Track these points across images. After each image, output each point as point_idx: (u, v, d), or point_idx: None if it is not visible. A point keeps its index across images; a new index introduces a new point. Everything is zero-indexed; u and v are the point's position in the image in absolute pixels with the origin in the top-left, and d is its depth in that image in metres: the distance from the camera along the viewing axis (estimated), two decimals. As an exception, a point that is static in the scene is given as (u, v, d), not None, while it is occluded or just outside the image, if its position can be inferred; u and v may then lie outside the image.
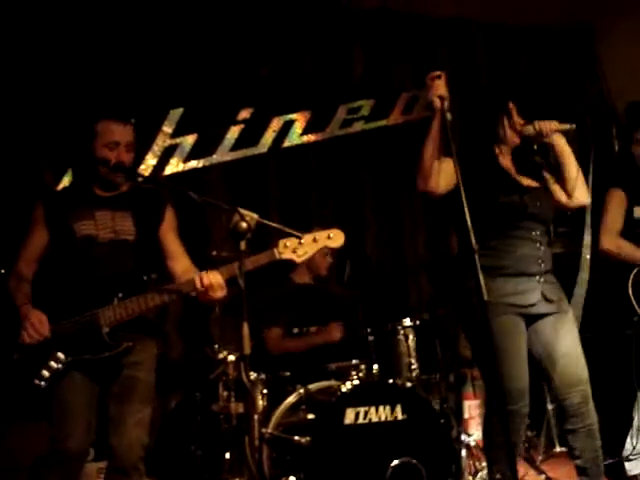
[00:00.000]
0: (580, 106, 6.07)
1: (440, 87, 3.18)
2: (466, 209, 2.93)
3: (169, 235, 3.33)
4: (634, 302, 4.11)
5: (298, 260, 3.06)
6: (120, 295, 3.09)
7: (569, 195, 3.44)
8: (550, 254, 3.44)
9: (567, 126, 3.35)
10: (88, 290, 3.10)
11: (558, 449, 4.73)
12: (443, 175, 3.28)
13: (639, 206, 4.28)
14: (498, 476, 3.36)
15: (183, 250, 3.35)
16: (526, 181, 3.45)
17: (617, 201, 4.23)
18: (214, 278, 3.03)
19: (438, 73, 3.22)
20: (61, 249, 3.19)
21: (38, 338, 3.04)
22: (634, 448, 4.21)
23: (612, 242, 4.14)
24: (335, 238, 3.10)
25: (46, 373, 3.04)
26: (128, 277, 3.15)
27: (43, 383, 3.03)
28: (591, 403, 3.37)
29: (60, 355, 3.05)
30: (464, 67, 5.96)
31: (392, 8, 5.62)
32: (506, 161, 3.48)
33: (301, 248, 3.04)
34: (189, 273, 3.22)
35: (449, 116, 3.16)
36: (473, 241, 2.85)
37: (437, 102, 3.16)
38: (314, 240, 3.06)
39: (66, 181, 4.54)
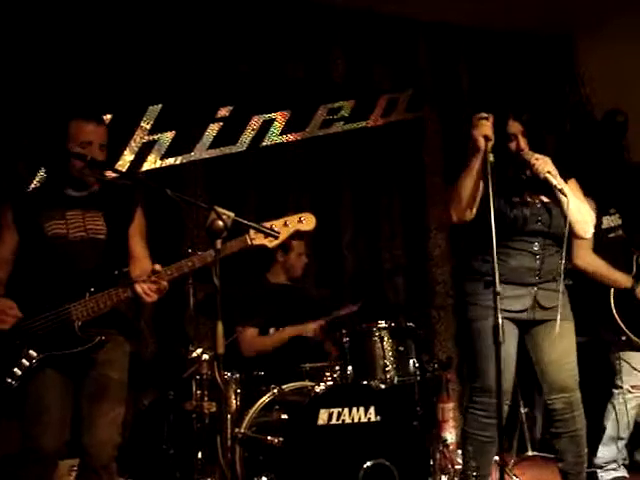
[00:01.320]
0: (560, 112, 6.10)
1: (486, 127, 3.23)
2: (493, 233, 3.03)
3: (135, 237, 3.32)
4: (620, 323, 4.14)
5: (270, 245, 3.04)
6: (92, 290, 3.06)
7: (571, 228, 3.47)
8: (555, 264, 3.47)
9: (556, 185, 3.34)
10: (59, 287, 3.07)
11: (530, 453, 4.76)
12: (477, 202, 3.36)
13: (606, 215, 4.32)
14: (474, 473, 3.40)
15: (146, 253, 3.34)
16: (532, 196, 3.49)
17: None
18: (147, 287, 3.04)
19: (485, 115, 3.27)
20: (32, 248, 3.17)
21: (11, 321, 3.01)
22: (614, 462, 4.25)
23: (586, 259, 4.16)
24: (307, 222, 3.07)
25: (18, 371, 3.00)
26: (99, 272, 3.13)
27: (14, 382, 2.99)
28: (578, 410, 3.44)
29: (32, 352, 3.02)
30: (444, 70, 5.97)
31: (375, 10, 5.61)
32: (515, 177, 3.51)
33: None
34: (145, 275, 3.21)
35: (491, 157, 3.22)
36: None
37: (481, 142, 3.21)
38: (285, 224, 3.04)
39: (39, 177, 4.49)
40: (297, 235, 3.13)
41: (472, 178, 3.31)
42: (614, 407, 4.22)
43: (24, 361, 3.01)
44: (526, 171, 3.44)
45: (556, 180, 3.35)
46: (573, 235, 3.52)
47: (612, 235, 4.32)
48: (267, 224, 3.00)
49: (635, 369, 4.19)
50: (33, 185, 4.49)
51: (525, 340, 3.49)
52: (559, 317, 3.43)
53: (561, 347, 3.45)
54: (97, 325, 3.07)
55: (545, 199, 3.49)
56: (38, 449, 3.03)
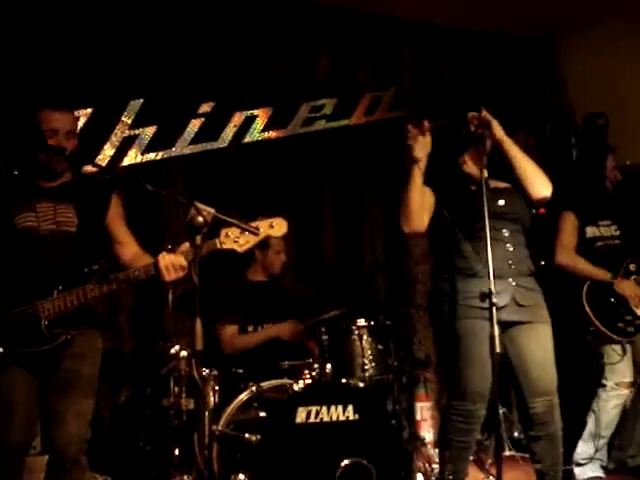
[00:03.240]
0: (541, 115, 6.14)
1: (422, 142, 3.26)
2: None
3: (116, 223, 3.29)
4: (589, 312, 4.20)
5: (240, 250, 3.01)
6: (60, 288, 3.03)
7: (526, 191, 3.44)
8: (526, 256, 3.46)
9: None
10: (28, 282, 3.05)
11: (507, 453, 4.78)
12: (427, 210, 3.40)
13: (591, 226, 4.37)
14: (450, 476, 3.40)
15: (131, 236, 3.32)
16: (494, 183, 3.46)
17: (569, 223, 4.36)
18: (174, 259, 3.01)
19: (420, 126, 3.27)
20: (1, 242, 3.12)
21: None
22: (591, 460, 4.28)
23: (567, 257, 4.27)
24: (277, 227, 3.04)
25: None
26: (68, 269, 3.10)
27: None
28: (557, 412, 3.44)
29: None
30: (427, 70, 5.99)
31: (359, 9, 5.61)
32: (472, 167, 3.50)
33: (243, 237, 2.99)
34: (140, 258, 3.20)
35: (485, 173, 3.22)
36: None
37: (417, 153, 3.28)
38: (256, 229, 3.00)
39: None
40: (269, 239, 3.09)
41: (416, 189, 3.33)
42: (597, 405, 4.27)
43: None
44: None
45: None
46: (530, 198, 3.45)
47: (600, 244, 4.38)
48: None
49: (612, 363, 4.24)
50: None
51: (505, 341, 3.40)
52: (538, 319, 3.44)
53: (541, 350, 3.42)
54: (65, 322, 3.04)
55: (505, 185, 3.49)
56: (2, 445, 3.01)
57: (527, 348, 3.41)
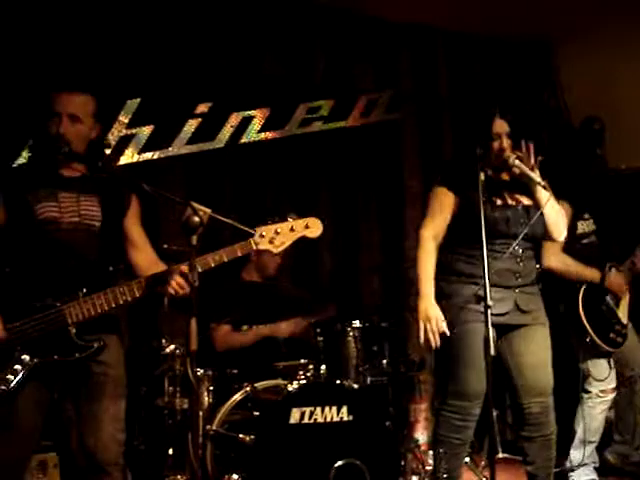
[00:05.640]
0: (537, 118, 6.14)
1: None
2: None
3: (134, 224, 3.12)
4: (586, 324, 4.18)
5: (275, 251, 2.92)
6: (84, 290, 2.85)
7: (548, 230, 3.49)
8: (533, 267, 3.53)
9: (540, 182, 3.35)
10: (49, 282, 2.86)
11: (501, 455, 4.79)
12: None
13: (581, 221, 4.35)
14: (444, 475, 3.42)
15: (147, 241, 3.16)
16: (514, 199, 3.49)
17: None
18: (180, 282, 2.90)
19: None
20: (19, 233, 2.92)
21: None
22: (585, 464, 4.29)
23: (556, 259, 4.18)
24: (313, 228, 2.97)
25: (11, 377, 2.76)
26: (93, 268, 2.94)
27: (4, 387, 2.76)
28: (552, 414, 3.47)
29: (25, 357, 2.80)
30: (424, 72, 5.99)
31: (356, 10, 5.62)
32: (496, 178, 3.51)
33: (278, 238, 2.90)
34: (154, 265, 3.06)
35: (482, 176, 3.25)
36: None
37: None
38: (291, 229, 2.92)
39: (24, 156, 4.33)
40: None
41: None
42: (584, 411, 4.27)
43: (17, 366, 2.78)
44: (506, 173, 3.45)
45: (539, 177, 3.36)
46: (548, 237, 3.53)
47: (586, 241, 4.36)
48: (272, 227, 2.91)
49: (598, 380, 4.24)
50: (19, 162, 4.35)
51: (501, 344, 3.48)
52: (537, 321, 3.47)
53: (539, 352, 3.47)
54: (91, 327, 2.87)
55: (526, 201, 3.50)
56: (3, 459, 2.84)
57: (524, 350, 3.47)
